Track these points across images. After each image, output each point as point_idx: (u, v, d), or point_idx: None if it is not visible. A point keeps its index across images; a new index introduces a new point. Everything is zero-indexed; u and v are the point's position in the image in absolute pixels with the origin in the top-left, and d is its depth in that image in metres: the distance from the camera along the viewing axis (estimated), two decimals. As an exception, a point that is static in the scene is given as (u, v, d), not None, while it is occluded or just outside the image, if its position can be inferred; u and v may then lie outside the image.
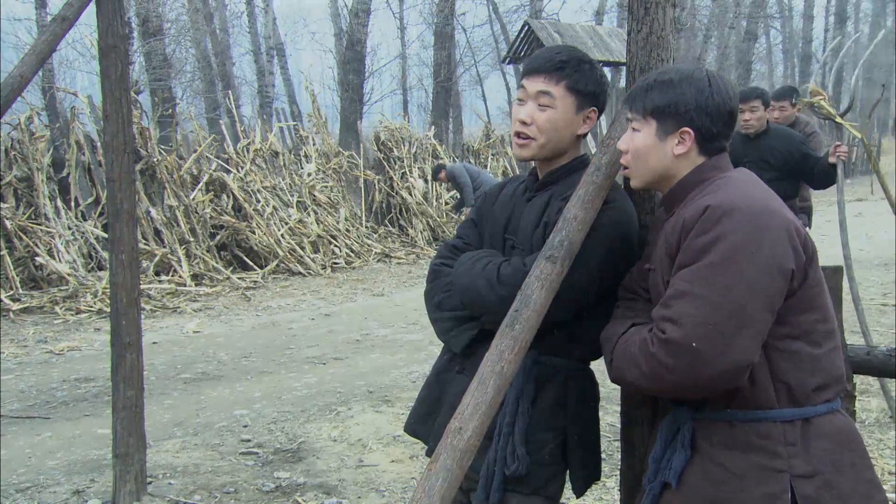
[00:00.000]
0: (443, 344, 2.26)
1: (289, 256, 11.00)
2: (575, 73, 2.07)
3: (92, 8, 3.47)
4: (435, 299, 2.21)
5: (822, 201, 16.06)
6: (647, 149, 1.86)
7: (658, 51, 2.17)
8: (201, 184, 10.73)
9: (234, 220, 10.75)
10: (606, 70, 15.10)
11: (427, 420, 2.21)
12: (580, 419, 2.09)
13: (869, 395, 4.95)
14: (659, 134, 1.84)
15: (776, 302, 1.67)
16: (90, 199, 9.73)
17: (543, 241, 2.01)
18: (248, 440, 4.59)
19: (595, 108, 2.12)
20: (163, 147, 10.55)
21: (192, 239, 10.14)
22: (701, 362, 1.63)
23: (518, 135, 2.11)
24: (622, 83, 16.73)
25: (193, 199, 10.43)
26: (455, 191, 12.20)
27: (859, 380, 4.56)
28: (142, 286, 4.15)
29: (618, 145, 1.97)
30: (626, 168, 1.94)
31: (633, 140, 1.88)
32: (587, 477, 2.11)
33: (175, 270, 9.69)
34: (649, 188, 2.02)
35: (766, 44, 32.98)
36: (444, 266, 2.23)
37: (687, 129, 1.81)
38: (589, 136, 11.17)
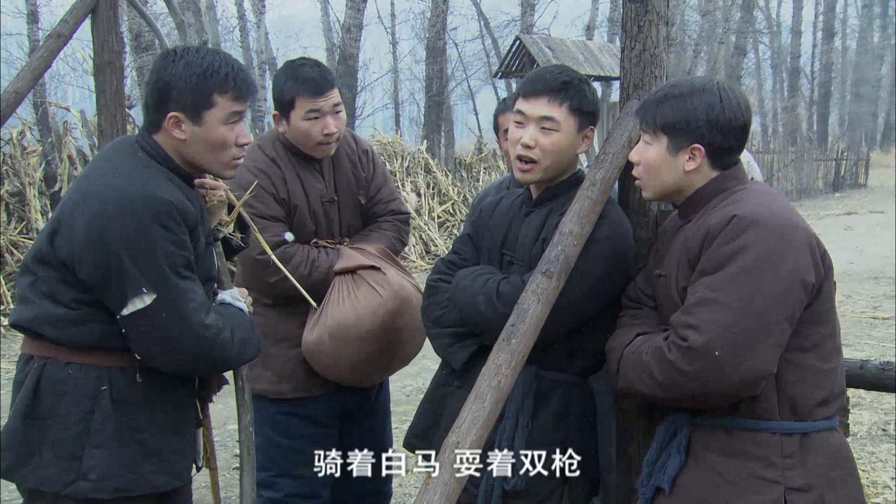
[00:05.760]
0: (439, 359, 2.26)
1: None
2: (577, 94, 2.08)
3: (85, 23, 3.48)
4: (433, 315, 2.21)
5: (811, 215, 16.15)
6: (658, 163, 1.86)
7: (651, 67, 2.20)
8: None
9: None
10: (597, 85, 15.17)
11: (426, 435, 2.21)
12: (580, 433, 2.10)
13: (861, 408, 4.97)
14: (670, 149, 1.84)
15: (796, 314, 1.69)
16: (82, 214, 9.69)
17: (542, 257, 2.01)
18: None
19: (593, 127, 2.14)
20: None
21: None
22: (721, 370, 1.64)
23: (521, 158, 2.09)
24: (612, 97, 16.81)
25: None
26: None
27: (851, 393, 4.58)
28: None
29: (630, 156, 1.98)
30: (637, 179, 1.94)
31: (645, 153, 1.89)
32: (587, 491, 2.12)
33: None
34: (661, 200, 2.04)
35: (755, 59, 33.20)
36: (441, 282, 2.23)
37: (698, 145, 1.82)
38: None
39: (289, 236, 2.62)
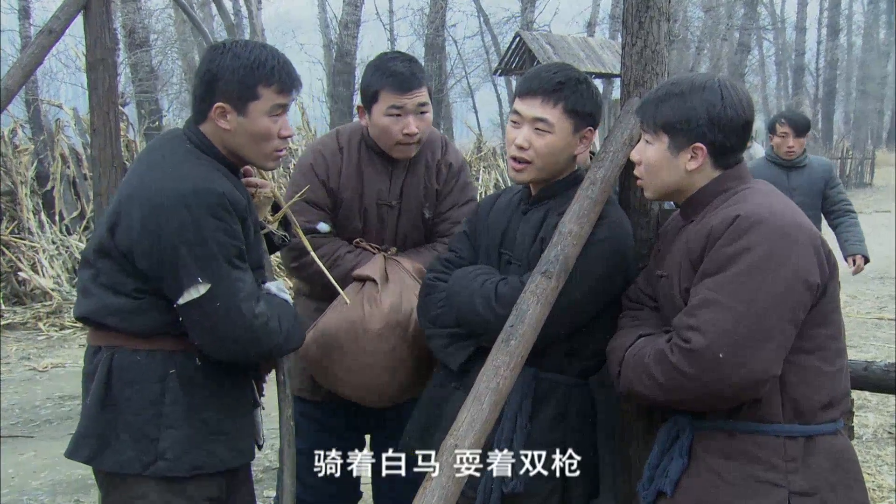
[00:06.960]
0: (437, 360, 2.23)
1: (278, 270, 10.95)
2: (573, 94, 2.04)
3: (77, 19, 3.44)
4: (430, 315, 2.19)
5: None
6: (659, 163, 1.83)
7: (653, 64, 2.17)
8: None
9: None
10: (598, 82, 15.14)
11: (424, 437, 2.17)
12: (579, 435, 2.07)
13: (866, 411, 4.94)
14: (671, 149, 1.81)
15: (800, 315, 1.66)
16: (75, 213, 9.62)
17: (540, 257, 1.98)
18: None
19: (591, 128, 2.10)
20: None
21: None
22: (724, 372, 1.62)
23: (514, 158, 2.07)
24: (614, 95, 16.78)
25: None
26: None
27: (856, 395, 4.55)
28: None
29: (631, 156, 1.96)
30: (638, 179, 1.92)
31: (646, 153, 1.86)
32: (587, 492, 2.09)
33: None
34: (662, 200, 2.00)
35: (759, 55, 33.21)
36: (438, 281, 2.21)
37: (699, 144, 1.78)
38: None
39: (322, 227, 2.51)
